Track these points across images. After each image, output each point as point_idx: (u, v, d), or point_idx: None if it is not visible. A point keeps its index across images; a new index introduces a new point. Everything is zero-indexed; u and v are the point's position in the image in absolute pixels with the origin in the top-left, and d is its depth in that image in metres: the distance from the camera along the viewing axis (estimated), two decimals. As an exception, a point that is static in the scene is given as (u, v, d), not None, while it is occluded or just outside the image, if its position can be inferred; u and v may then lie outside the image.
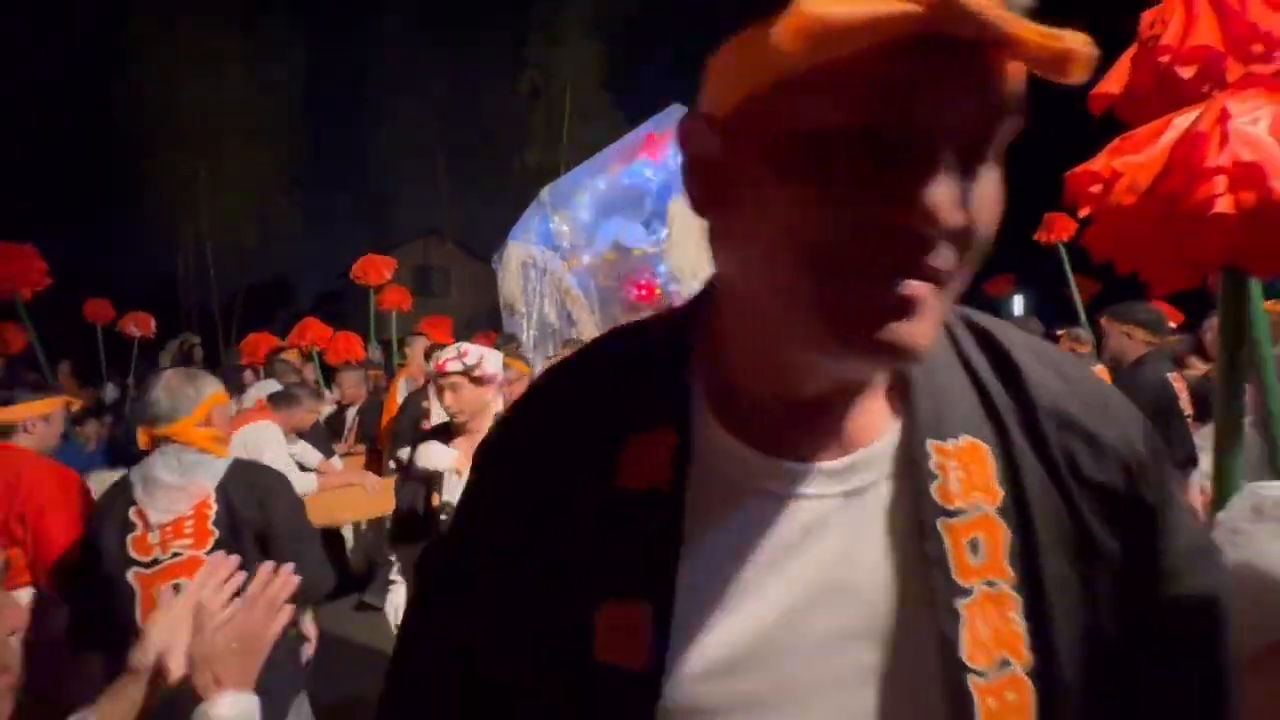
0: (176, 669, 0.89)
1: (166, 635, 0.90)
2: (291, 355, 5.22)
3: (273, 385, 4.33)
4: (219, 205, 17.60)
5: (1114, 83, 1.79)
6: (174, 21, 16.59)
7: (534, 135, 19.24)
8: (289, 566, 0.95)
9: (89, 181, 19.43)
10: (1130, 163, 1.16)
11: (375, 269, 7.15)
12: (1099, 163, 1.23)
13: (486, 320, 20.49)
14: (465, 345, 2.34)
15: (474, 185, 22.82)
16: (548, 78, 19.13)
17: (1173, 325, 3.73)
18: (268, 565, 0.94)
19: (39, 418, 2.46)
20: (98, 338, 8.07)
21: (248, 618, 0.90)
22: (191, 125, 16.76)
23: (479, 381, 2.26)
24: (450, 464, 2.22)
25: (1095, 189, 1.19)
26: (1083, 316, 7.59)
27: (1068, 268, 8.20)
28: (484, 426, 2.26)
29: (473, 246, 24.89)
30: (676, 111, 7.07)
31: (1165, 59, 1.59)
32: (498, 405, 2.36)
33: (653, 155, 7.04)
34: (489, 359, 2.29)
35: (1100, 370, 4.91)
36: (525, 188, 18.10)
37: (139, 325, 8.00)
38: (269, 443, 3.20)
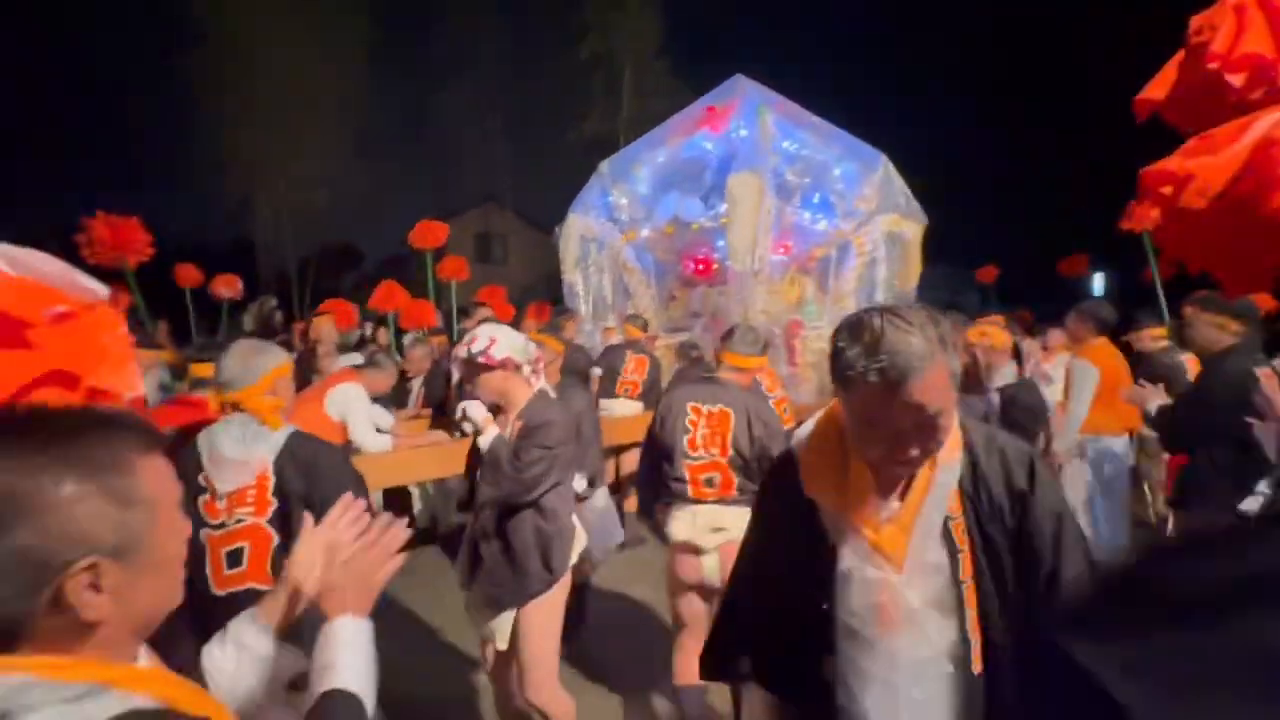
0: (310, 591, 1.08)
1: (305, 563, 1.10)
2: (323, 324, 5.38)
3: (356, 358, 4.60)
4: (293, 172, 18.30)
5: (1159, 89, 1.74)
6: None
7: (593, 104, 19.14)
8: (402, 521, 1.11)
9: (170, 152, 20.44)
10: (1204, 164, 1.15)
11: (432, 233, 7.38)
12: (1173, 162, 1.22)
13: (545, 289, 20.79)
14: (476, 332, 2.33)
15: (533, 153, 22.94)
16: (607, 45, 18.93)
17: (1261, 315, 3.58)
18: (385, 516, 1.11)
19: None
20: (187, 301, 8.56)
21: (366, 557, 1.06)
22: (265, 95, 17.38)
23: (488, 367, 2.26)
24: (480, 419, 2.30)
25: (1166, 189, 1.19)
26: (1163, 301, 7.73)
27: (1150, 253, 8.04)
28: (516, 404, 2.32)
29: (531, 215, 25.18)
30: (738, 83, 6.95)
31: (1214, 65, 1.54)
32: (532, 384, 2.34)
33: (713, 128, 6.95)
34: (499, 344, 2.26)
35: (1190, 360, 4.79)
36: (583, 157, 18.15)
37: (228, 287, 8.50)
38: (356, 401, 3.51)
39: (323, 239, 20.85)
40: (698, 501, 2.63)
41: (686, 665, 2.67)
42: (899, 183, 6.89)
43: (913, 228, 7.03)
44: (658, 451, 2.74)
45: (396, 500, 4.75)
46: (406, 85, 21.70)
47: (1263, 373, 2.95)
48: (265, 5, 17.26)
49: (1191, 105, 1.42)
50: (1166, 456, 4.11)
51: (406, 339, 6.21)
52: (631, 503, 5.26)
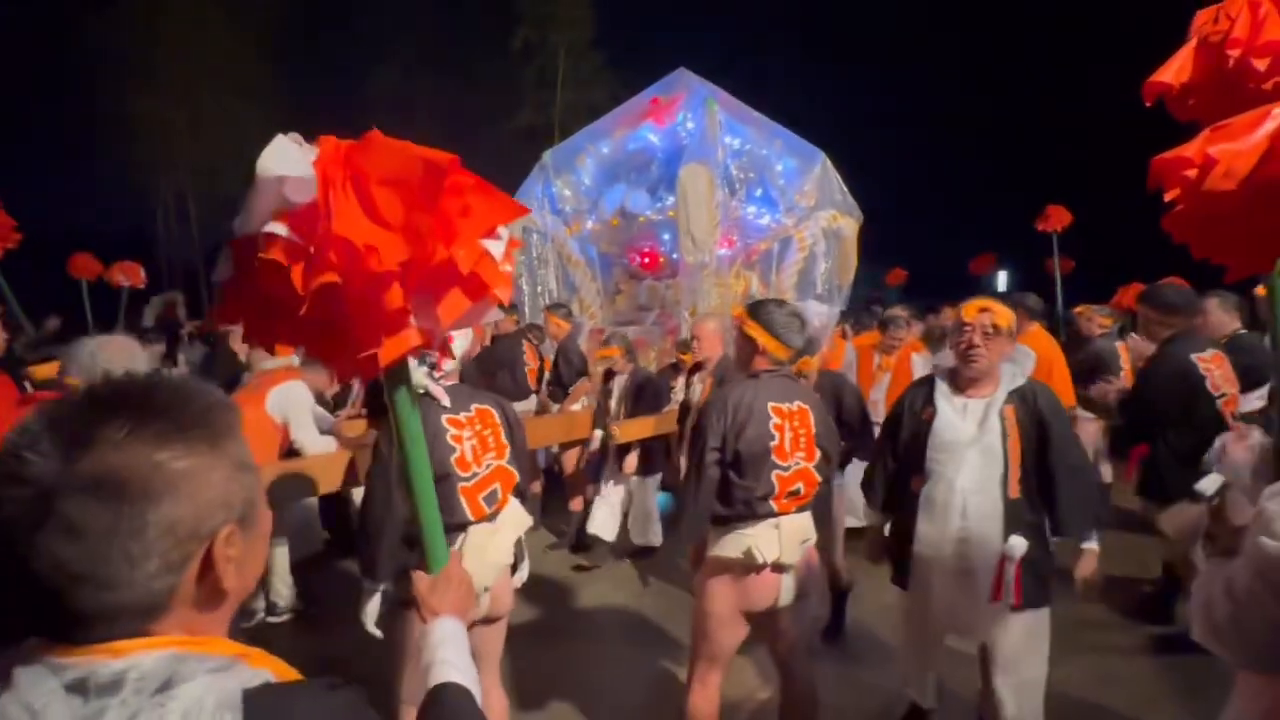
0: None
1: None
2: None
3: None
4: (200, 155, 16.99)
5: (1171, 75, 1.83)
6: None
7: (526, 94, 18.79)
8: None
9: (60, 133, 18.58)
10: (1227, 150, 1.18)
11: (126, 273, 7.05)
12: (1192, 149, 1.25)
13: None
14: None
15: (464, 143, 22.21)
16: (540, 35, 18.62)
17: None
18: None
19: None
20: (83, 294, 7.80)
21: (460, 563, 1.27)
22: (169, 70, 16.08)
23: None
24: None
25: (1190, 173, 1.21)
26: (1059, 295, 8.99)
27: (1055, 252, 9.24)
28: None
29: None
30: (683, 77, 6.94)
31: (1236, 52, 1.63)
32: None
33: (658, 120, 6.92)
34: None
35: (1121, 347, 5.35)
36: (518, 148, 17.84)
37: (128, 275, 7.79)
38: (300, 401, 3.27)
39: (233, 230, 19.55)
40: (780, 514, 2.33)
41: (708, 706, 2.42)
42: (836, 179, 7.06)
43: (850, 224, 7.22)
44: (723, 463, 2.35)
45: (333, 505, 4.48)
46: (331, 70, 20.51)
47: (1201, 358, 3.17)
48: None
49: (1202, 93, 1.48)
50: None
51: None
52: (577, 503, 5.19)
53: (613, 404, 4.81)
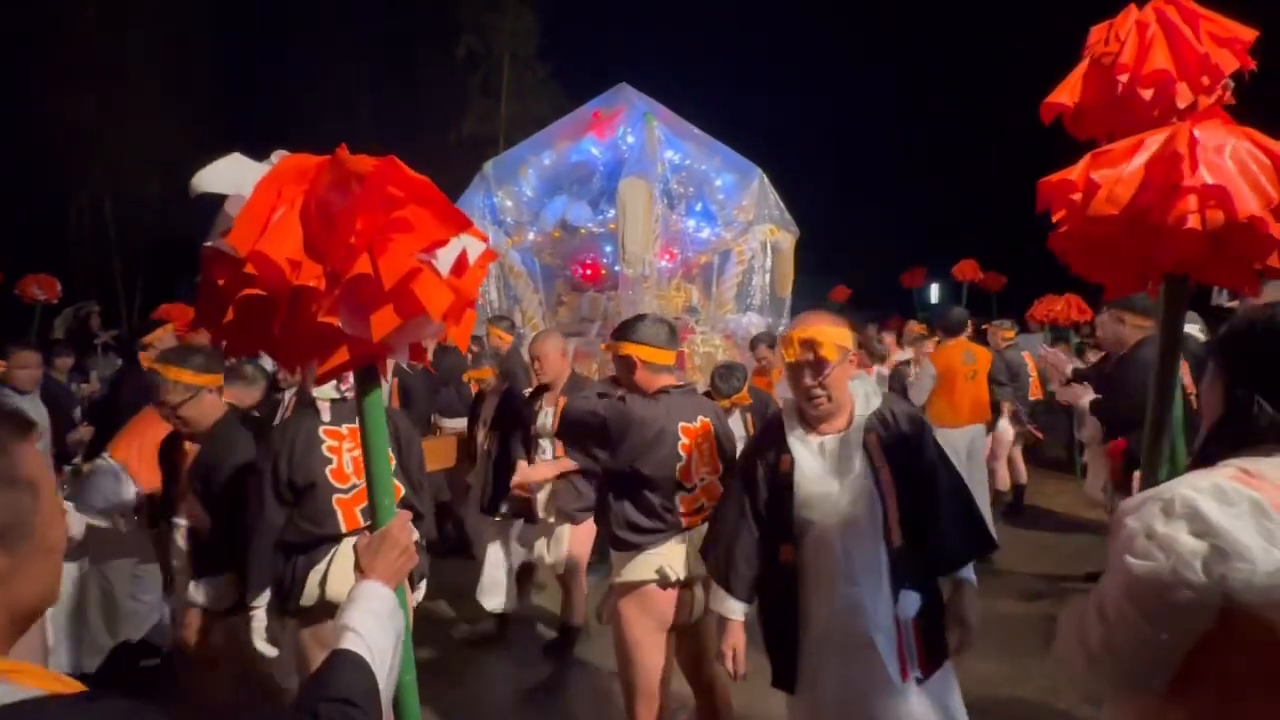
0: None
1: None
2: (162, 335, 4.85)
3: None
4: (118, 155, 16.06)
5: (1066, 95, 1.94)
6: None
7: (469, 103, 18.59)
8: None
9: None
10: (1109, 176, 1.27)
11: (42, 286, 6.79)
12: (1076, 173, 1.34)
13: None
14: None
15: (407, 153, 21.73)
16: (485, 45, 18.49)
17: None
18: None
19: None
20: None
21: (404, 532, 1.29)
22: (86, 64, 15.17)
23: None
24: None
25: (1075, 197, 1.30)
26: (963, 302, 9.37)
27: (964, 294, 10.15)
28: None
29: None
30: (624, 91, 7.02)
31: (1124, 78, 1.74)
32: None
33: (600, 134, 6.97)
34: None
35: (1027, 355, 5.75)
36: (461, 158, 17.58)
37: (42, 288, 7.28)
38: None
39: (155, 236, 18.54)
40: (687, 529, 2.34)
41: None
42: (773, 195, 7.27)
43: (787, 238, 7.44)
44: (635, 481, 2.32)
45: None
46: (265, 72, 19.79)
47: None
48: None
49: (1095, 114, 1.58)
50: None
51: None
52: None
53: (480, 431, 4.28)
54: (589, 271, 6.95)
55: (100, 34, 15.23)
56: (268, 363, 4.56)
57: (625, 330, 2.43)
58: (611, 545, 2.41)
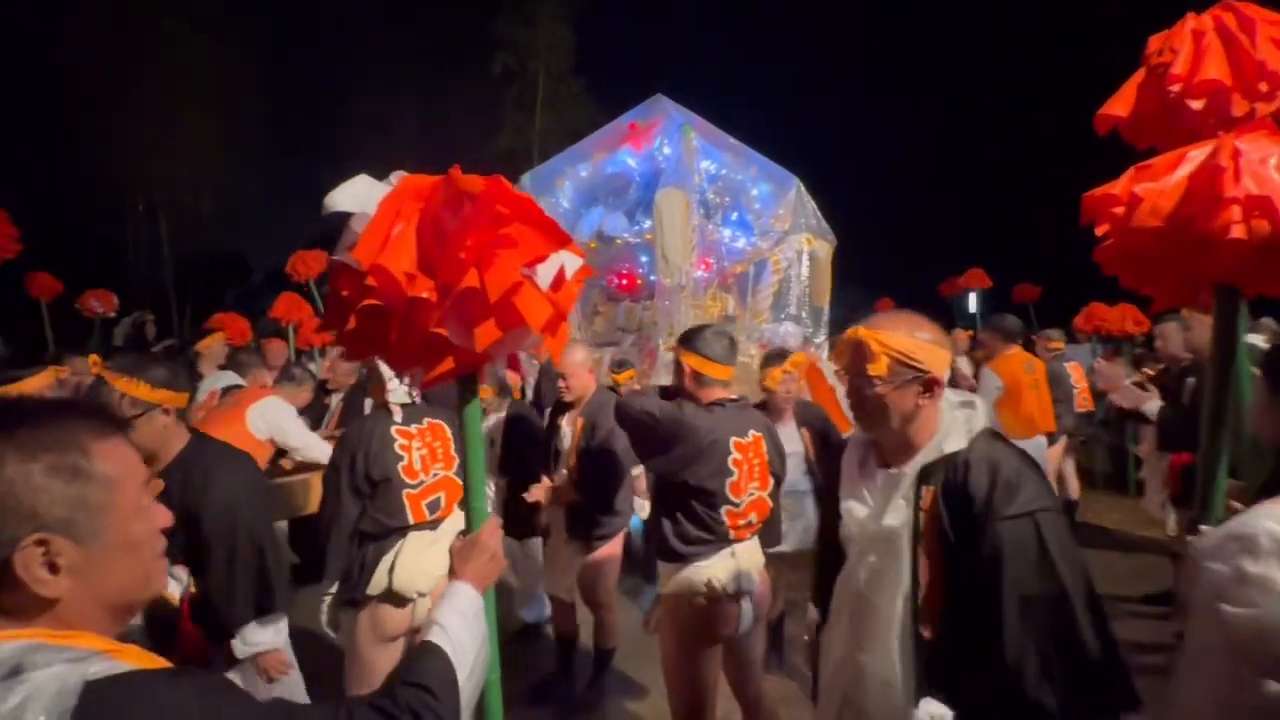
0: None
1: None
2: (213, 343, 5.11)
3: (231, 377, 4.34)
4: (173, 173, 16.78)
5: (1121, 106, 1.92)
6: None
7: (505, 118, 18.92)
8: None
9: (27, 145, 18.22)
10: (1151, 189, 1.29)
11: (305, 265, 7.04)
12: (1119, 186, 1.36)
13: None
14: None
15: (440, 166, 22.16)
16: (520, 60, 18.81)
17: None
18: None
19: (47, 390, 2.52)
20: (43, 314, 7.49)
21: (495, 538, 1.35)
22: (142, 84, 15.88)
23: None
24: None
25: (1118, 210, 1.32)
26: (1033, 315, 9.38)
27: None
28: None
29: (438, 227, 24.36)
30: (660, 103, 7.10)
31: (1175, 89, 1.73)
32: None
33: (635, 145, 7.06)
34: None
35: (1072, 367, 5.52)
36: (497, 172, 17.76)
37: (101, 302, 7.62)
38: (285, 413, 3.33)
39: (206, 248, 19.29)
40: (735, 542, 2.34)
41: None
42: (810, 204, 7.26)
43: (824, 247, 7.41)
44: (684, 491, 2.30)
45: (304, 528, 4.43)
46: (310, 89, 20.48)
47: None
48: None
49: (1151, 123, 1.57)
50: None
51: (330, 352, 5.85)
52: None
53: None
54: (625, 281, 7.02)
55: (157, 62, 15.94)
56: (315, 367, 4.74)
57: (687, 338, 2.43)
58: (659, 556, 2.40)
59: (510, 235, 1.12)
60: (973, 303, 21.53)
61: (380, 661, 2.28)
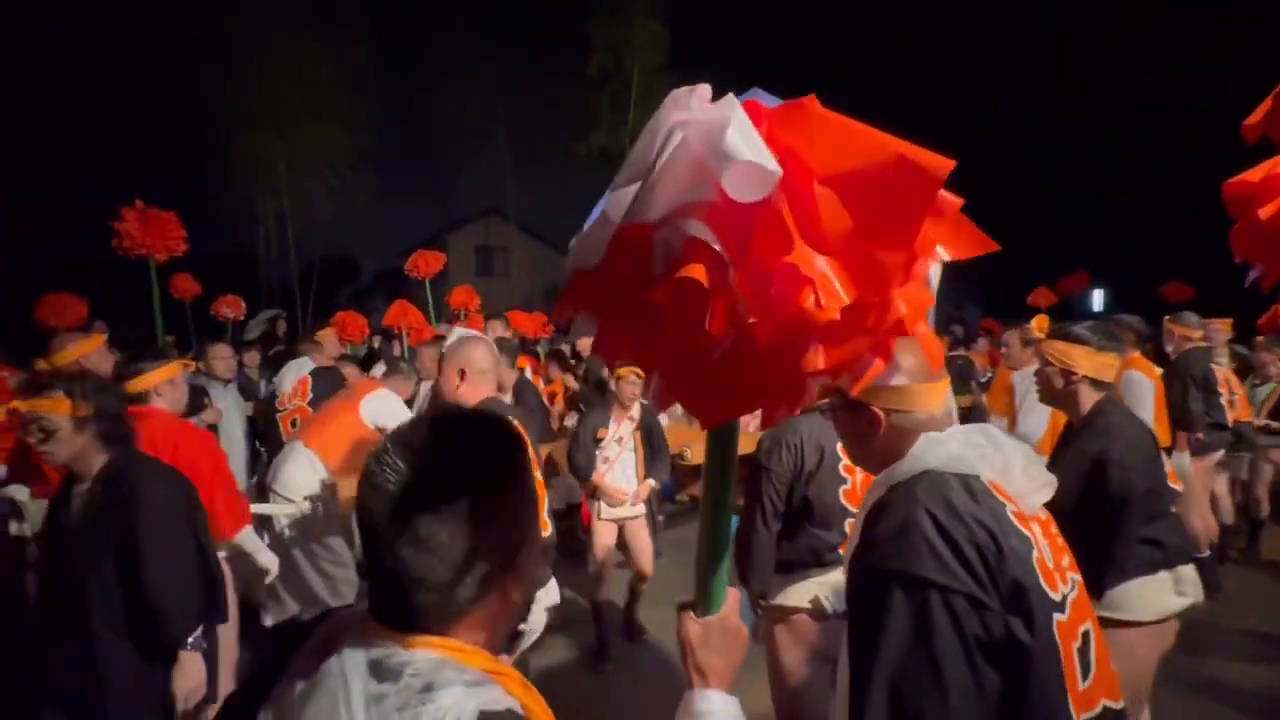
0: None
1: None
2: (326, 335, 5.47)
3: (307, 364, 4.69)
4: (295, 183, 18.33)
5: (1261, 115, 1.75)
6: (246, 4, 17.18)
7: (599, 118, 19.19)
8: None
9: (170, 160, 20.46)
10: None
11: (426, 262, 7.41)
12: (1256, 175, 1.25)
13: (543, 300, 20.76)
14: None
15: (536, 166, 22.87)
16: (614, 59, 19.02)
17: None
18: None
19: (165, 382, 2.72)
20: (186, 313, 8.32)
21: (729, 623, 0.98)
22: (267, 105, 17.42)
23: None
24: None
25: (1257, 200, 1.21)
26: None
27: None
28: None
29: (533, 227, 25.17)
30: (756, 97, 6.96)
31: None
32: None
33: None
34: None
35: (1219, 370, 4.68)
36: (588, 171, 18.19)
37: (231, 307, 8.41)
38: (395, 406, 3.57)
39: (323, 251, 20.86)
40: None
41: None
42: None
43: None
44: (789, 511, 2.15)
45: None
46: (410, 97, 21.74)
47: None
48: (268, 13, 17.32)
49: None
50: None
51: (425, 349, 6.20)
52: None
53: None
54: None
55: (281, 81, 17.46)
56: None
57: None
58: (774, 568, 2.27)
59: (942, 237, 0.74)
60: (1098, 300, 19.76)
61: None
